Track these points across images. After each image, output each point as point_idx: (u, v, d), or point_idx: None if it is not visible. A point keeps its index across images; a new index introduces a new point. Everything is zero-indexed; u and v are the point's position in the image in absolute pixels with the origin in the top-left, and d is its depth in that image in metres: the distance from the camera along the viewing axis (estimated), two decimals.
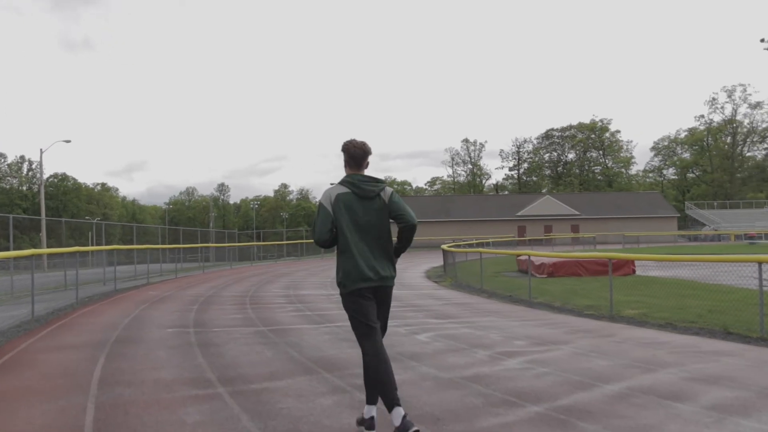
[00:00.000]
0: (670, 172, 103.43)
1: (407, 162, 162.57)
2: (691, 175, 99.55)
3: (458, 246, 27.87)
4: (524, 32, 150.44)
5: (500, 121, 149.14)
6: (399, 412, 3.65)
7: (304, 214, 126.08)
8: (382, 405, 3.89)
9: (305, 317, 10.70)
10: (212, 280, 20.42)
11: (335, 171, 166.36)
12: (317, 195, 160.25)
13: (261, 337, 8.33)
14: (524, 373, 6.02)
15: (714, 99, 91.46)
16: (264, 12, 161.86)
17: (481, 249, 20.94)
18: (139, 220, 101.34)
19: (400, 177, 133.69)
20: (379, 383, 3.76)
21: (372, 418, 3.94)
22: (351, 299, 3.87)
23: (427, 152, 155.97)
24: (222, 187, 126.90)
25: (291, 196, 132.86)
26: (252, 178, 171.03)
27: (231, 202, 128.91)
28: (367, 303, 3.87)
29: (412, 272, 24.84)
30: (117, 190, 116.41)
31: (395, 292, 15.76)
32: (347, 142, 4.07)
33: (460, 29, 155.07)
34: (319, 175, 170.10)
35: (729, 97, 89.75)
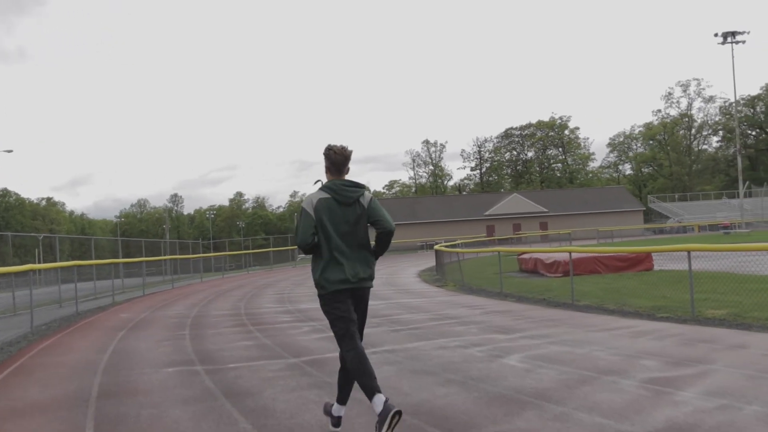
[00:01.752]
0: (626, 168, 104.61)
1: (360, 167, 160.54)
2: (646, 169, 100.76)
3: (451, 246, 26.03)
4: (480, 32, 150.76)
5: (459, 121, 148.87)
6: (380, 398, 3.69)
7: (261, 223, 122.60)
8: None
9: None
10: (188, 296, 17.90)
11: (288, 179, 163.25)
12: (273, 203, 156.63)
13: (302, 374, 6.14)
14: (736, 415, 4.06)
15: (670, 93, 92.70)
16: (208, 20, 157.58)
17: (482, 249, 19.09)
18: (89, 235, 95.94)
19: (360, 181, 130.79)
20: (362, 376, 3.80)
21: (340, 417, 4.13)
22: (330, 300, 3.94)
23: (380, 157, 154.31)
24: (175, 198, 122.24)
25: (247, 205, 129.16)
26: (204, 188, 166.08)
27: (185, 213, 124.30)
28: (345, 303, 3.94)
29: (403, 277, 22.78)
30: (64, 204, 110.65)
31: (412, 300, 13.68)
32: (327, 147, 4.08)
33: (413, 33, 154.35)
34: (274, 183, 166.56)
35: (684, 91, 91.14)
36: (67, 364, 7.28)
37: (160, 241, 31.36)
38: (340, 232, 3.93)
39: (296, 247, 4.11)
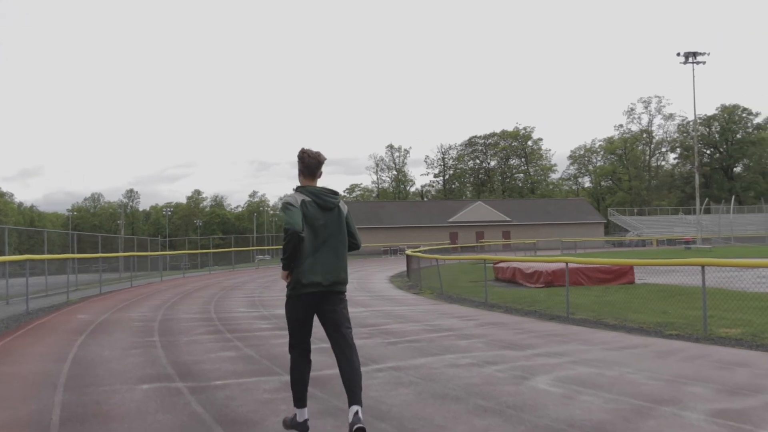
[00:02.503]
0: (585, 180, 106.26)
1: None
2: (605, 183, 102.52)
3: (417, 252, 25.33)
4: (448, 40, 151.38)
5: (424, 128, 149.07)
6: (302, 413, 3.95)
7: (219, 222, 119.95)
8: None
9: (326, 353, 7.60)
10: (150, 296, 16.66)
11: (246, 179, 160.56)
12: (232, 202, 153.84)
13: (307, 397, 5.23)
14: None
15: (632, 109, 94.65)
16: (170, 13, 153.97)
17: (467, 257, 18.48)
18: (39, 228, 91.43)
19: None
20: (292, 385, 4.01)
21: (306, 420, 4.07)
22: (295, 303, 3.96)
23: (340, 160, 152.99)
24: (131, 194, 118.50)
25: (205, 203, 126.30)
26: (160, 185, 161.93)
27: (140, 209, 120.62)
28: (309, 310, 3.97)
29: (374, 282, 21.93)
30: (12, 195, 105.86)
31: (395, 309, 12.89)
32: (302, 151, 4.12)
33: (379, 39, 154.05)
34: (231, 183, 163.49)
35: (645, 108, 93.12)
36: (19, 376, 6.20)
37: (118, 236, 29.68)
38: (320, 236, 3.95)
39: (285, 239, 3.85)
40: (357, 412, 3.70)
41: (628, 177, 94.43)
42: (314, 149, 4.14)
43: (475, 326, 10.07)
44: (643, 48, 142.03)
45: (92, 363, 6.74)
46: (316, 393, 5.37)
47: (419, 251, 24.70)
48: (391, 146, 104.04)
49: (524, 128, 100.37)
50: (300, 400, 4.04)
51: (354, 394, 3.82)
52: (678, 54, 67.69)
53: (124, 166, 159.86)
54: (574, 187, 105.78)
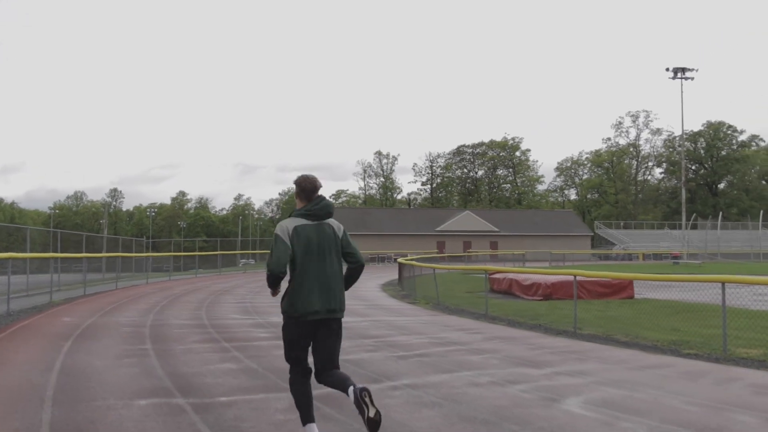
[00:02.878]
0: (571, 192, 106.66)
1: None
2: (591, 196, 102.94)
3: (417, 260, 24.89)
4: (439, 49, 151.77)
5: (412, 135, 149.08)
6: (312, 428, 3.92)
7: (203, 224, 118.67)
8: None
9: (352, 373, 7.11)
10: (136, 299, 16.03)
11: (231, 182, 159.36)
12: (217, 205, 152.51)
13: (322, 417, 4.75)
14: None
15: (620, 123, 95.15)
16: (157, 13, 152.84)
17: (470, 267, 18.06)
18: (20, 225, 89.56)
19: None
20: (298, 408, 4.01)
21: None
22: (294, 327, 3.94)
23: (326, 166, 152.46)
24: (115, 193, 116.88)
25: (189, 205, 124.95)
26: (143, 185, 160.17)
27: (124, 209, 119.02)
28: (306, 336, 3.94)
29: (366, 290, 21.44)
30: None
31: (395, 319, 12.44)
32: (300, 177, 4.19)
33: (367, 46, 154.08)
34: (216, 185, 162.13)
35: (633, 122, 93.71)
36: (1, 388, 5.65)
37: (103, 236, 28.90)
38: (314, 260, 3.93)
39: (268, 272, 3.91)
40: (354, 386, 3.71)
41: (615, 190, 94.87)
42: (311, 175, 4.22)
43: (482, 340, 9.64)
44: (632, 62, 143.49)
45: (82, 373, 6.20)
46: (334, 414, 4.88)
47: (413, 259, 24.27)
48: (379, 153, 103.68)
49: (513, 138, 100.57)
50: (307, 417, 3.99)
51: (347, 381, 3.82)
52: (667, 69, 68.25)
53: (108, 164, 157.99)
54: (560, 199, 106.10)
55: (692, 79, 68.68)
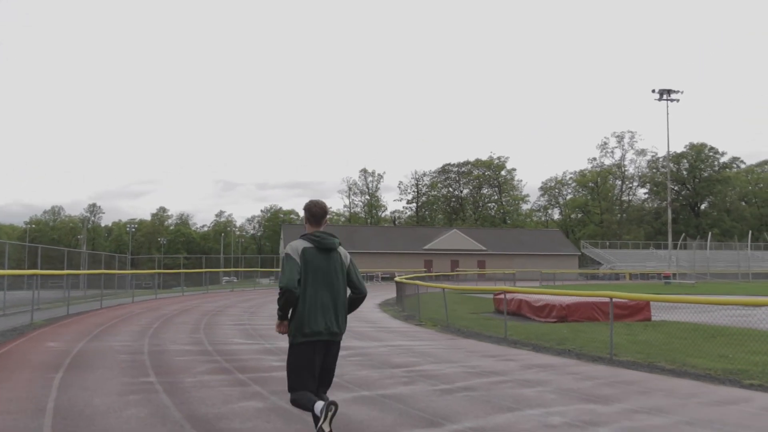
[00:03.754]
0: (554, 212, 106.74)
1: (286, 192, 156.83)
2: (575, 215, 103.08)
3: (414, 278, 23.93)
4: (422, 68, 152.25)
5: (395, 153, 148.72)
6: (319, 405, 3.97)
7: (184, 241, 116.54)
8: None
9: (384, 407, 6.16)
10: (126, 320, 14.83)
11: (211, 198, 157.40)
12: (198, 221, 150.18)
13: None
14: None
15: (605, 143, 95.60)
16: (136, 27, 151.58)
17: (487, 287, 17.17)
18: None
19: (285, 206, 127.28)
20: (307, 397, 4.07)
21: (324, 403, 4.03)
22: (300, 351, 4.03)
23: (306, 183, 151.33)
24: (94, 208, 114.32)
25: (170, 221, 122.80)
26: (122, 201, 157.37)
27: (102, 224, 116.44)
28: (313, 358, 4.03)
29: (366, 311, 20.40)
30: None
31: (413, 344, 11.48)
32: (309, 203, 4.34)
33: (351, 64, 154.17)
34: (195, 201, 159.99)
35: (618, 142, 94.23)
36: None
37: (85, 252, 27.48)
38: (321, 284, 4.03)
39: (279, 295, 4.06)
40: (326, 400, 3.92)
41: (600, 210, 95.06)
42: (320, 201, 4.38)
43: (519, 369, 8.70)
44: (615, 83, 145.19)
45: (82, 417, 5.13)
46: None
47: (416, 278, 23.33)
48: (365, 170, 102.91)
49: (498, 158, 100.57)
50: (311, 401, 4.09)
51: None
52: (653, 91, 68.66)
53: (85, 179, 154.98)
54: (543, 219, 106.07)
55: (677, 101, 69.17)
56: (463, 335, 13.59)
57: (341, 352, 9.66)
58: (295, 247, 4.09)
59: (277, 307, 4.13)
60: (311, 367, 4.05)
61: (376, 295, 30.21)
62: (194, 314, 16.78)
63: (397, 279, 25.13)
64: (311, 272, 4.03)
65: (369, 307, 22.49)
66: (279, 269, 43.68)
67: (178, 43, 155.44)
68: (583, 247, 77.26)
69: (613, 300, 16.29)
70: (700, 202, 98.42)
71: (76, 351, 9.01)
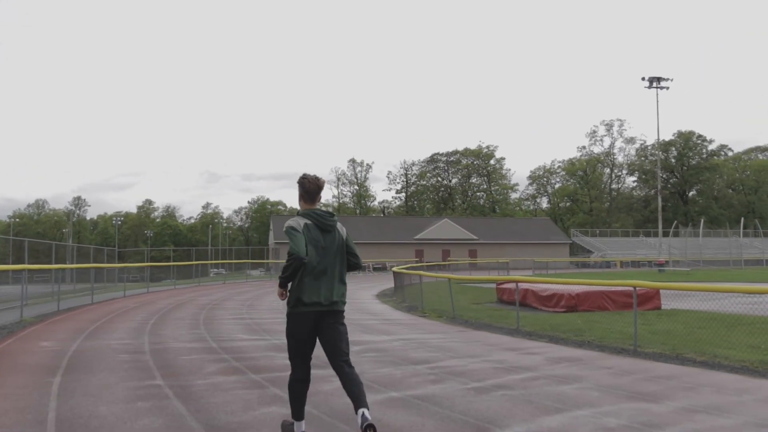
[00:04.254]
0: (543, 201, 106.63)
1: (272, 183, 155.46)
2: (564, 204, 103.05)
3: (414, 269, 23.39)
4: (410, 59, 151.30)
5: (382, 144, 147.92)
6: (299, 426, 4.13)
7: (170, 233, 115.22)
8: None
9: (444, 418, 5.63)
10: (121, 315, 14.17)
11: (196, 190, 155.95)
12: (185, 213, 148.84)
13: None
14: None
15: (594, 131, 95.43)
16: (120, 18, 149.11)
17: (505, 277, 16.65)
18: None
19: (272, 197, 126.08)
20: (296, 401, 4.17)
21: None
22: (296, 321, 4.11)
23: (291, 174, 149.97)
24: (79, 201, 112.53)
25: (156, 213, 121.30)
26: (106, 194, 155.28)
27: (88, 217, 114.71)
28: (311, 327, 4.09)
29: (366, 302, 19.89)
30: None
31: (428, 338, 10.96)
32: (302, 177, 4.31)
33: (337, 54, 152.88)
34: (180, 193, 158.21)
35: (608, 130, 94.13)
36: None
37: (73, 245, 26.63)
38: (321, 257, 4.10)
39: (288, 262, 4.02)
40: (364, 413, 3.81)
41: (589, 198, 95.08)
42: (312, 174, 4.34)
43: (548, 363, 8.20)
44: (602, 71, 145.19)
45: (88, 430, 4.53)
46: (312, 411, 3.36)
47: (409, 268, 22.81)
48: (353, 160, 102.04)
49: (487, 147, 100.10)
50: (298, 414, 4.21)
51: (359, 401, 3.94)
52: (643, 78, 68.56)
53: (68, 172, 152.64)
54: (532, 207, 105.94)
55: (667, 88, 69.13)
56: (472, 327, 13.11)
57: (355, 347, 9.07)
58: (296, 221, 4.13)
59: (282, 276, 4.12)
60: (310, 341, 4.13)
61: (371, 285, 29.76)
62: (190, 308, 16.14)
63: (395, 269, 24.60)
64: (312, 249, 4.06)
65: (367, 299, 21.99)
66: (270, 261, 42.75)
67: (163, 34, 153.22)
68: (574, 236, 77.23)
69: (622, 289, 16.13)
70: (688, 189, 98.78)
71: (73, 351, 8.37)
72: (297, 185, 4.27)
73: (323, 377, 6.22)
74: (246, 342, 9.74)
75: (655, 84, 67.76)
